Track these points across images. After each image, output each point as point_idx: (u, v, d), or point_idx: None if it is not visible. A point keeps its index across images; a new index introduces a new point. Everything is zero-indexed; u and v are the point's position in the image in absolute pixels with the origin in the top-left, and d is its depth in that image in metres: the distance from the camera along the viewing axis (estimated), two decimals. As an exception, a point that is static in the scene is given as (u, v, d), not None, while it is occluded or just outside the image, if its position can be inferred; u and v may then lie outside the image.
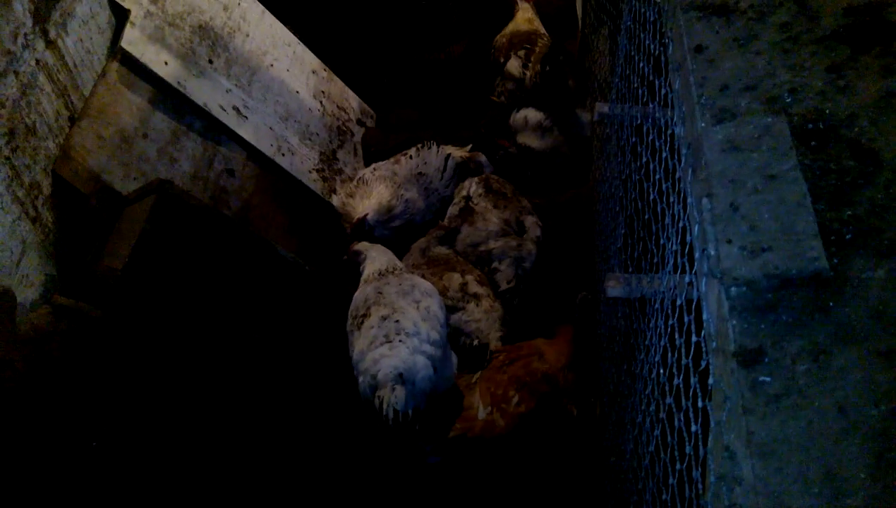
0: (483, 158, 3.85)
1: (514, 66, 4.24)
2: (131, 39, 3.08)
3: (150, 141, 3.12)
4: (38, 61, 2.70)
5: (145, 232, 2.74)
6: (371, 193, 3.79)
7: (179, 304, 2.84)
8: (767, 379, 1.16)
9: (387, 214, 3.68)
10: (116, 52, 3.07)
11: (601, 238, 3.00)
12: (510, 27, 4.44)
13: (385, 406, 2.62)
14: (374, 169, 3.87)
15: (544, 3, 4.60)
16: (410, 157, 3.88)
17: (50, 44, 2.77)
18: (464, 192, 3.77)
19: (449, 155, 3.93)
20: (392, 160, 3.90)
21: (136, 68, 3.10)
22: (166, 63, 3.18)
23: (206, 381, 2.87)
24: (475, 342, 3.30)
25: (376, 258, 3.13)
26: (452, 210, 3.76)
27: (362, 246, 3.23)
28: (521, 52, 4.24)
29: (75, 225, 2.88)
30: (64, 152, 2.83)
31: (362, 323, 2.89)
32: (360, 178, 3.89)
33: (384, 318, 2.81)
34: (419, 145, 3.89)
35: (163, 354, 2.78)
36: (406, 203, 3.75)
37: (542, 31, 4.41)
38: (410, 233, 3.79)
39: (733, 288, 1.22)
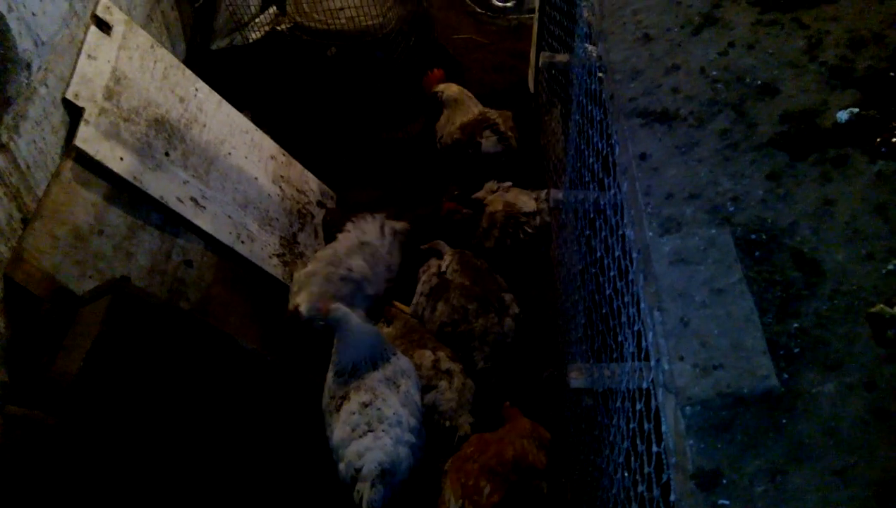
0: (442, 245, 3.87)
1: (489, 144, 4.28)
2: (85, 137, 3.07)
3: (106, 237, 3.09)
4: (-11, 166, 2.68)
5: (101, 334, 2.68)
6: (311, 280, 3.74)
7: (139, 405, 2.77)
8: (727, 502, 1.16)
9: (319, 297, 3.60)
10: (70, 150, 3.05)
11: (563, 319, 3.01)
12: (458, 118, 4.43)
13: (364, 504, 2.65)
14: (316, 257, 3.85)
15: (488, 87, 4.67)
16: (349, 231, 3.90)
17: (1, 147, 2.74)
18: (433, 269, 3.75)
19: (383, 222, 3.98)
20: (332, 243, 3.92)
21: (90, 166, 3.08)
22: (121, 158, 3.17)
23: (170, 480, 2.79)
24: (447, 423, 3.25)
25: (360, 343, 3.03)
26: (423, 288, 3.72)
27: (336, 310, 3.09)
28: (486, 132, 4.30)
29: (29, 328, 2.81)
30: (16, 255, 2.78)
31: (341, 405, 2.89)
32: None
33: (365, 405, 2.82)
34: (353, 218, 3.94)
35: (123, 457, 2.71)
36: (349, 269, 3.71)
37: (485, 108, 4.47)
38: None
39: (688, 408, 1.23)
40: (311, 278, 3.66)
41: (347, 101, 4.74)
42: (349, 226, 3.92)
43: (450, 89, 4.46)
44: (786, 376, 1.24)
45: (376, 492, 2.58)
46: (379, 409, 2.78)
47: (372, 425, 2.73)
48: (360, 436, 2.72)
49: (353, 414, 2.81)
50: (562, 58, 2.91)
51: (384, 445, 2.68)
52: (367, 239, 3.88)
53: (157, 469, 2.77)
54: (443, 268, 3.70)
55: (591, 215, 2.19)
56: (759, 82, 1.68)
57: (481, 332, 3.45)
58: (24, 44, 2.86)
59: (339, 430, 2.83)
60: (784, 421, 1.20)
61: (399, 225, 4.03)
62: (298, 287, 3.68)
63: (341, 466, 2.78)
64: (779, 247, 1.39)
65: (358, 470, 2.64)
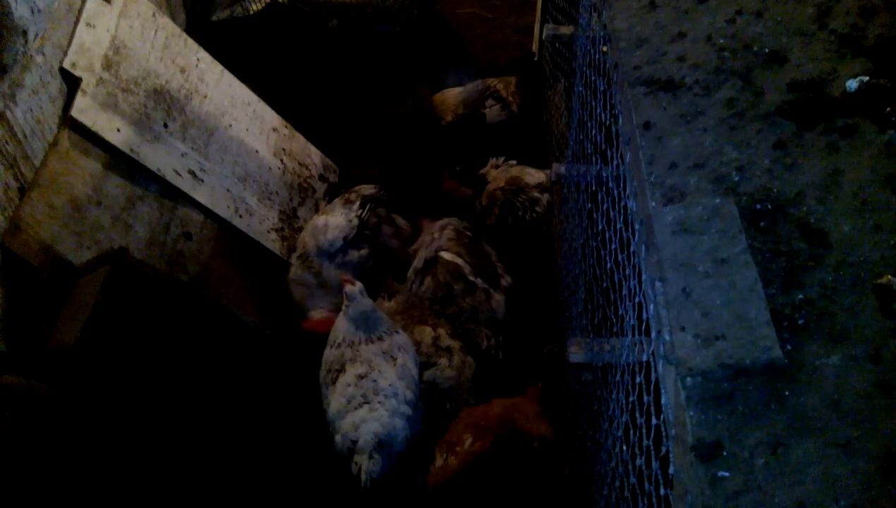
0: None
1: (493, 113, 4.29)
2: (82, 108, 3.03)
3: (104, 208, 3.06)
4: (-16, 135, 2.64)
5: (98, 304, 2.67)
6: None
7: (136, 376, 2.76)
8: (726, 474, 1.14)
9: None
10: (68, 120, 3.01)
11: (564, 294, 2.99)
12: (450, 98, 4.49)
13: (363, 474, 2.63)
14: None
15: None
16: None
17: (-2, 116, 2.71)
18: (426, 245, 3.72)
19: (359, 194, 3.99)
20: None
21: (87, 136, 3.04)
22: (119, 130, 3.13)
23: (165, 451, 2.79)
24: (448, 405, 3.23)
25: (357, 318, 3.00)
26: (416, 264, 3.70)
27: (352, 291, 3.03)
28: (489, 101, 4.29)
29: (26, 298, 2.79)
30: (13, 225, 2.76)
31: (337, 377, 2.87)
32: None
33: (361, 377, 2.81)
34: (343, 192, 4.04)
35: (120, 427, 2.70)
36: (325, 225, 3.73)
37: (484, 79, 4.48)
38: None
39: (689, 379, 1.21)
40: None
41: (349, 75, 4.68)
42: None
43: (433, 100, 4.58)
44: (789, 347, 1.21)
45: (375, 463, 2.57)
46: (375, 381, 2.76)
47: (368, 397, 2.72)
48: (356, 408, 2.71)
49: (349, 385, 2.80)
50: (566, 30, 2.86)
51: (380, 416, 2.67)
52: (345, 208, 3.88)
53: (155, 439, 2.77)
54: (439, 243, 3.68)
55: (594, 188, 2.16)
56: (767, 50, 1.64)
57: (471, 311, 3.43)
58: (20, 10, 2.81)
59: (335, 402, 2.82)
60: (787, 393, 1.18)
61: (366, 190, 4.00)
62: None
63: (337, 438, 2.78)
64: (784, 217, 1.36)
65: (354, 442, 2.63)
